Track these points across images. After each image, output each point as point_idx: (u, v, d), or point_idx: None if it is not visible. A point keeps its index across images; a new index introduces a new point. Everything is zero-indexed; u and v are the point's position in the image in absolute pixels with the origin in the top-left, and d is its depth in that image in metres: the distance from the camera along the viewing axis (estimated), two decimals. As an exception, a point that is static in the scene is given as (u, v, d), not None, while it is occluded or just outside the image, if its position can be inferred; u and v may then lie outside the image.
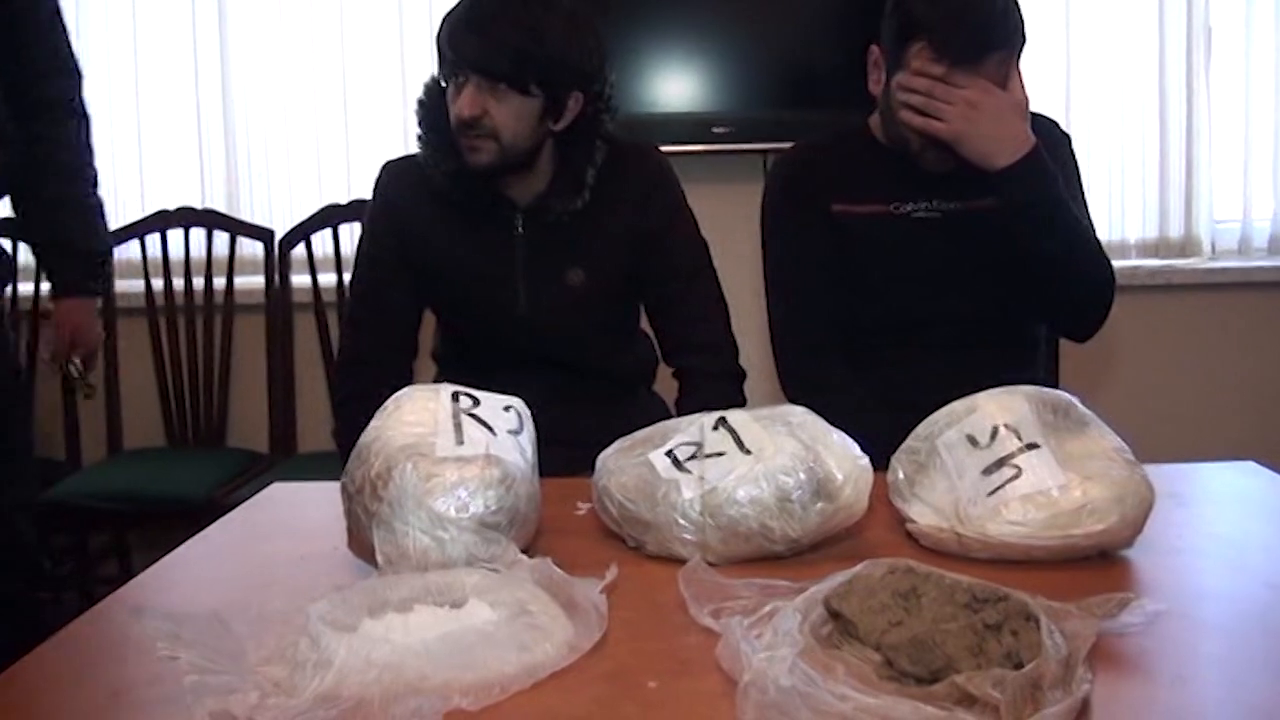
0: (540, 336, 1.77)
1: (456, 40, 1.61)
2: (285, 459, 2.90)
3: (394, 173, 1.81)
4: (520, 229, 1.73)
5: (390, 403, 1.19)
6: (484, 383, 1.75)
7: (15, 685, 0.92)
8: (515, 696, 0.85)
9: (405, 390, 1.20)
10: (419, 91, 1.74)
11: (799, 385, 1.79)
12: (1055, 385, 1.95)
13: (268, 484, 2.55)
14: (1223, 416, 3.05)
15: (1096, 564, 1.11)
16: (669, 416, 1.82)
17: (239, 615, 0.95)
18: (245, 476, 2.71)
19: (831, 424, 1.20)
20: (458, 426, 1.13)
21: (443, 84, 1.69)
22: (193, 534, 2.70)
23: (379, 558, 1.05)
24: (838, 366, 1.77)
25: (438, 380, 1.84)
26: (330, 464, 2.70)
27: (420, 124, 1.72)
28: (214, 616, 0.93)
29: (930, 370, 1.73)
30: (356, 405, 1.77)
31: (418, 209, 1.75)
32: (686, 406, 1.80)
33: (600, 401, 1.80)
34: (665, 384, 1.93)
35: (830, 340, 1.78)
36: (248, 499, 2.53)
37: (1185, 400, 3.06)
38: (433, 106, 1.70)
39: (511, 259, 1.74)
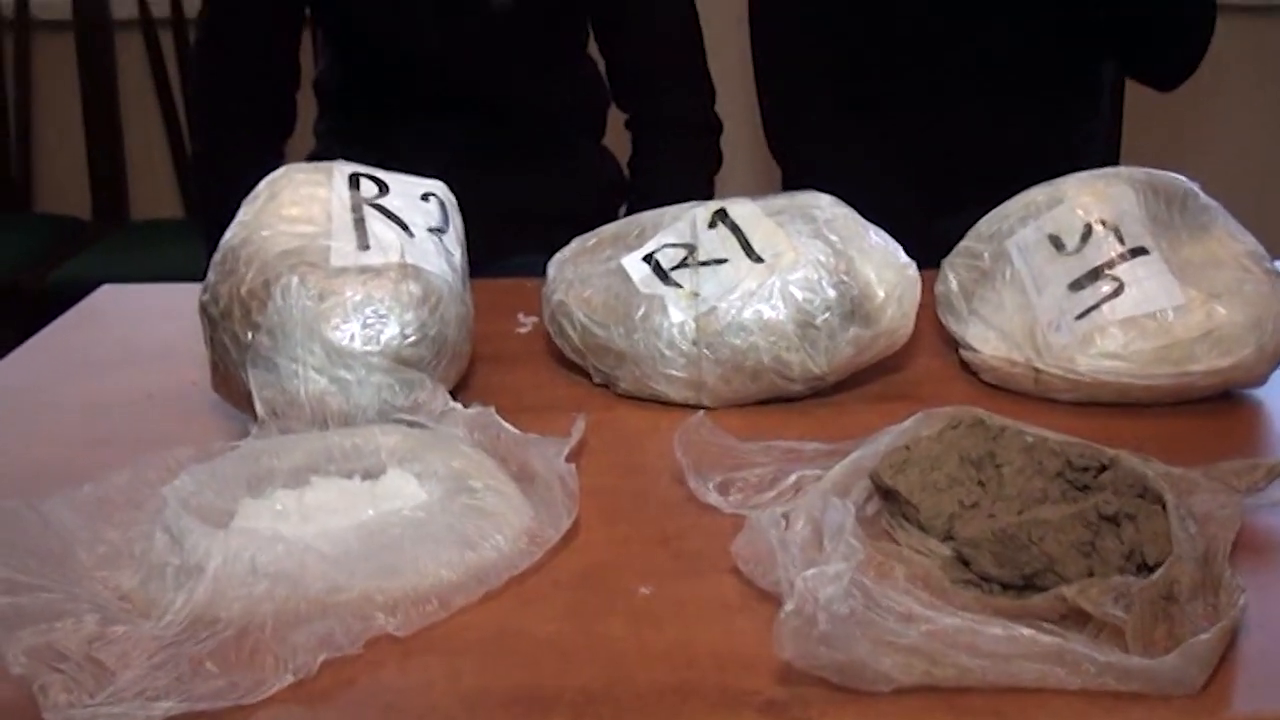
0: (453, 77, 1.72)
1: None
2: (114, 228, 2.88)
3: None
4: None
5: (262, 187, 1.09)
6: (381, 130, 1.76)
7: None
8: (460, 614, 0.79)
9: (281, 172, 1.10)
10: None
11: (782, 144, 1.82)
12: (1118, 148, 1.91)
13: (94, 261, 2.56)
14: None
15: (1216, 408, 1.07)
16: (622, 180, 1.79)
17: (63, 496, 0.86)
18: (63, 251, 2.69)
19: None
20: (359, 223, 1.05)
21: None
22: (-3, 328, 2.55)
23: (258, 406, 0.99)
24: (833, 117, 1.75)
25: (321, 125, 1.85)
26: (176, 236, 2.69)
27: None
28: (24, 503, 0.83)
29: (954, 123, 1.72)
30: (223, 156, 1.74)
31: None
32: (643, 169, 1.83)
33: (532, 157, 1.78)
34: (617, 137, 1.89)
35: (823, 84, 1.75)
36: (70, 284, 2.45)
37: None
38: None
39: None
